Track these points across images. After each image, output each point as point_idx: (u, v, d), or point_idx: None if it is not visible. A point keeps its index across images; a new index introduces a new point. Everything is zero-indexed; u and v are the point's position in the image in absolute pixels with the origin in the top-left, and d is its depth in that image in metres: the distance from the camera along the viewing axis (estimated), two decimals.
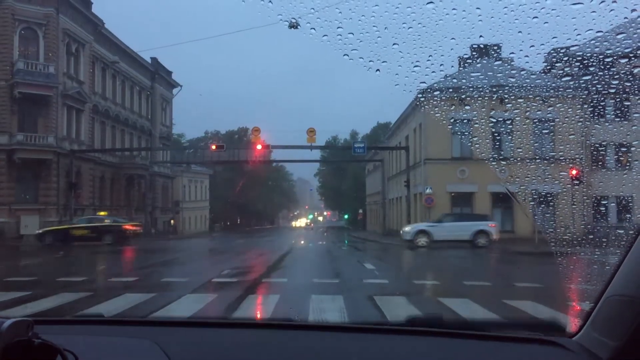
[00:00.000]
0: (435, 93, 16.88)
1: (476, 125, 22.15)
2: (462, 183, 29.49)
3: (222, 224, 68.35)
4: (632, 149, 20.72)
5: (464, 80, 16.60)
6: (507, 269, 16.17)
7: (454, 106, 19.12)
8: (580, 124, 19.62)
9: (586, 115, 20.48)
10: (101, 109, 39.57)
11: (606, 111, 21.03)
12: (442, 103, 20.24)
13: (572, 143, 21.97)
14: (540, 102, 15.23)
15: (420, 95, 17.69)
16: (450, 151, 29.68)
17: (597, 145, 24.58)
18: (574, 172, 20.44)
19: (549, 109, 16.27)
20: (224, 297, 9.27)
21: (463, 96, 16.27)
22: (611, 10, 3.70)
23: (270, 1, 4.49)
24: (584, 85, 13.36)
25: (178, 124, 62.34)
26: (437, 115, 22.99)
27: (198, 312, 7.58)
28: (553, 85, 14.43)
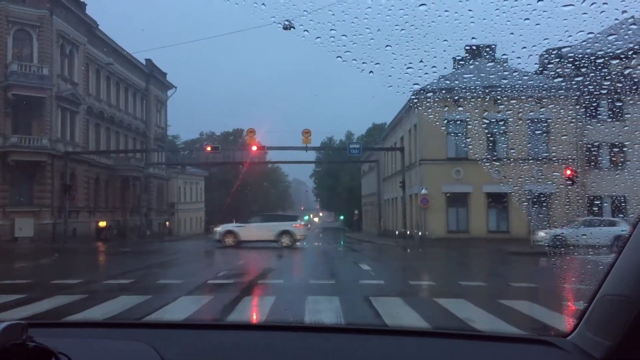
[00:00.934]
0: (429, 95, 16.95)
1: (470, 126, 22.23)
2: (458, 183, 29.54)
3: (217, 225, 68.13)
4: (625, 149, 20.86)
5: (456, 82, 16.66)
6: (502, 269, 16.21)
7: (447, 107, 19.20)
8: (572, 124, 19.71)
9: (578, 116, 20.57)
10: (95, 110, 39.44)
11: (599, 111, 21.15)
12: (436, 104, 20.32)
13: (566, 143, 22.08)
14: (534, 102, 15.30)
15: (413, 97, 17.75)
16: (445, 152, 29.72)
17: (591, 145, 24.69)
18: (568, 172, 20.52)
19: (541, 109, 16.35)
20: (219, 298, 9.26)
21: (457, 97, 16.32)
22: (602, 12, 3.73)
23: (263, 4, 4.51)
24: (576, 85, 13.43)
25: (173, 125, 62.33)
26: (430, 117, 23.07)
27: (194, 314, 7.57)
28: (546, 85, 14.50)
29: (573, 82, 12.17)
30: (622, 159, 22.75)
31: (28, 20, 31.76)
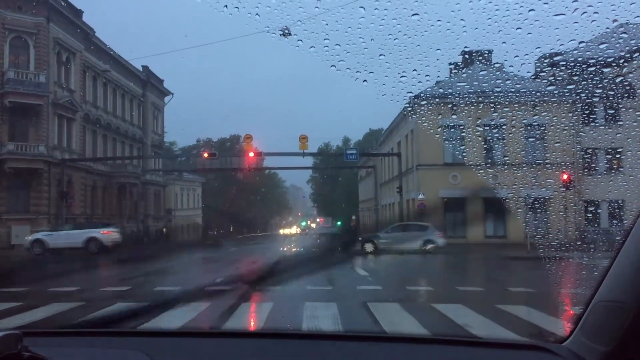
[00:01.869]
0: (423, 103, 16.97)
1: (467, 132, 22.28)
2: (455, 188, 29.58)
3: (214, 231, 68.11)
4: (621, 153, 20.95)
5: (449, 90, 16.71)
6: (500, 274, 16.21)
7: (440, 115, 19.23)
8: (565, 131, 19.80)
9: (573, 122, 20.65)
10: (92, 117, 39.42)
11: (596, 116, 21.22)
12: (430, 113, 20.35)
13: (562, 148, 22.15)
14: (530, 108, 15.37)
15: (407, 105, 17.79)
16: (442, 157, 29.76)
17: (588, 150, 24.77)
18: (564, 177, 20.57)
19: (534, 117, 16.41)
20: (216, 305, 9.22)
21: (451, 104, 16.36)
22: (593, 20, 3.76)
23: (257, 14, 4.53)
24: (569, 92, 13.50)
25: (170, 131, 62.22)
26: (424, 124, 23.13)
27: (191, 322, 7.54)
28: (541, 91, 14.57)
29: (565, 90, 12.24)
30: (614, 165, 22.83)
31: (25, 27, 31.77)
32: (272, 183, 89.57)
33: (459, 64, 13.37)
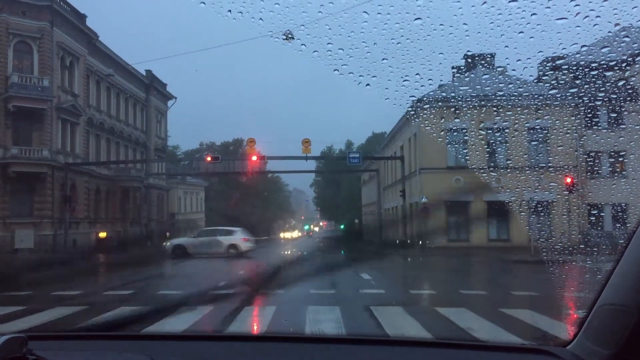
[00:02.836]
0: (425, 106, 16.98)
1: (470, 136, 22.27)
2: (458, 192, 29.51)
3: None
4: (624, 156, 20.90)
5: (452, 94, 16.71)
6: (503, 278, 16.17)
7: (443, 119, 19.23)
8: (568, 134, 19.75)
9: (576, 126, 20.62)
10: (96, 121, 39.53)
11: (599, 119, 21.20)
12: (432, 116, 20.35)
13: (565, 151, 22.10)
14: (533, 111, 15.34)
15: (410, 109, 17.79)
16: (445, 160, 29.71)
17: (591, 153, 24.71)
18: (568, 180, 20.52)
19: (535, 121, 16.38)
20: (220, 309, 9.23)
21: (454, 107, 16.36)
22: (595, 24, 3.77)
23: (260, 19, 4.55)
24: (572, 95, 13.50)
25: (173, 135, 62.25)
26: (427, 128, 23.14)
27: (194, 325, 7.55)
28: (544, 94, 14.57)
29: (568, 93, 12.23)
30: (619, 168, 22.78)
31: (28, 32, 31.91)
32: (275, 187, 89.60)
33: (461, 67, 13.39)
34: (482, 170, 20.43)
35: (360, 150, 57.49)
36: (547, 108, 16.32)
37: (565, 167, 22.35)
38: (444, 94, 17.69)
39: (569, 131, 18.86)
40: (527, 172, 17.29)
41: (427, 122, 22.91)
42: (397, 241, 35.78)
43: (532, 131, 21.50)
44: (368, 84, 5.11)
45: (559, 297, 8.79)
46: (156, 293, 12.13)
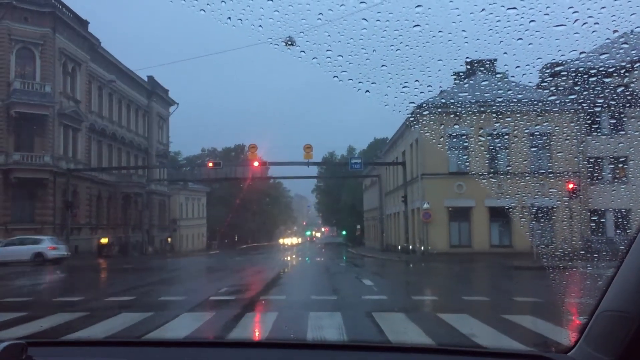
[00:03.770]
0: (425, 113, 16.97)
1: (470, 142, 22.25)
2: (460, 198, 29.50)
3: (219, 241, 68.16)
4: (624, 162, 20.88)
5: (452, 100, 16.71)
6: (505, 284, 16.12)
7: (443, 125, 19.22)
8: (569, 140, 19.76)
9: (576, 131, 20.63)
10: (98, 127, 39.63)
11: (599, 125, 21.20)
12: (433, 122, 20.34)
13: (566, 157, 22.10)
14: (533, 117, 15.35)
15: (410, 116, 17.79)
16: (447, 166, 29.70)
17: (591, 159, 24.70)
18: (569, 186, 20.50)
19: (536, 127, 16.39)
20: (221, 315, 9.21)
21: (454, 114, 16.36)
22: (593, 31, 3.78)
23: (260, 26, 4.57)
24: (572, 102, 13.51)
25: (174, 141, 62.14)
26: (427, 134, 23.15)
27: (195, 331, 7.53)
28: (544, 100, 14.59)
29: (568, 100, 12.24)
30: (620, 174, 22.77)
31: (31, 38, 32.07)
32: (276, 192, 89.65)
33: (461, 73, 13.41)
34: (483, 176, 20.43)
35: (362, 155, 57.67)
36: (548, 114, 16.32)
37: (566, 173, 22.34)
38: (444, 101, 17.70)
39: (569, 137, 18.86)
40: (528, 178, 17.29)
41: (427, 128, 22.92)
42: (399, 247, 35.74)
43: (532, 137, 21.52)
44: (367, 91, 5.13)
45: (561, 303, 8.77)
46: (157, 299, 12.11)
